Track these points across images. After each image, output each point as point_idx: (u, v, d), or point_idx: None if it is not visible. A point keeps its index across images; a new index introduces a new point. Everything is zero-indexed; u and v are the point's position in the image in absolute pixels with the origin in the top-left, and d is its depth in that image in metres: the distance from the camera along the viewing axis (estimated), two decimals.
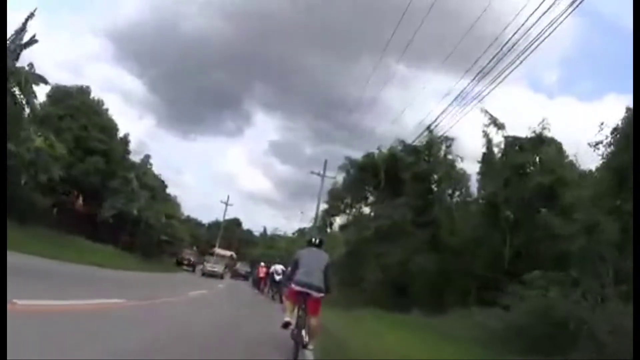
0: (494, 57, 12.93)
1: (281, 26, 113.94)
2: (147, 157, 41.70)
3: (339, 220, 30.51)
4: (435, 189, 24.16)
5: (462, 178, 23.01)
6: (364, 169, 25.69)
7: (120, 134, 37.82)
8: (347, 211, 28.41)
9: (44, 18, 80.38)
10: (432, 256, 21.14)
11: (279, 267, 24.36)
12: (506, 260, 19.84)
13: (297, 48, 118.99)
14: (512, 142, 21.70)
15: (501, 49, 12.57)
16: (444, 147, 23.64)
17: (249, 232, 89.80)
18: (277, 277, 23.41)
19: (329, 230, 32.30)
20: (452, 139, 23.58)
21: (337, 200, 28.57)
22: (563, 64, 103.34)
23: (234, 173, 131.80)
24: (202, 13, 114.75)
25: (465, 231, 22.34)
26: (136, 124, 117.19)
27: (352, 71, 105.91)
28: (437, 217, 22.73)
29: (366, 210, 27.50)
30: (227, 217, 74.30)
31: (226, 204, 68.53)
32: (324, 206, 30.99)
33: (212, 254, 56.96)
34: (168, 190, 51.49)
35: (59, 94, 32.17)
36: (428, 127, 21.42)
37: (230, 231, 79.43)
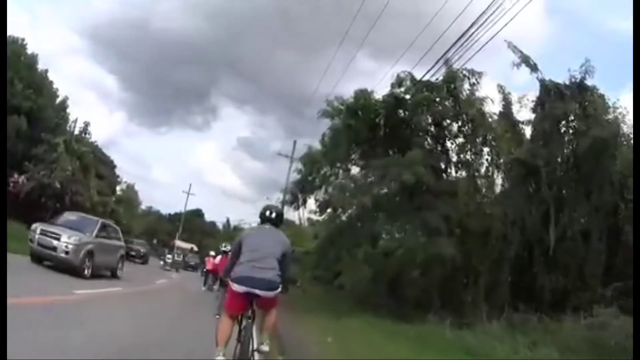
0: None
1: (252, 21, 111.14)
2: (86, 124, 34.41)
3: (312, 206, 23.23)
4: (458, 142, 17.60)
5: (493, 129, 16.43)
6: (354, 114, 17.28)
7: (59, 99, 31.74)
8: (324, 185, 20.22)
9: (19, 10, 74.23)
10: (451, 241, 15.17)
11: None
12: (551, 246, 14.56)
13: (268, 43, 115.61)
14: (550, 88, 16.06)
15: None
16: (467, 85, 16.73)
17: (212, 223, 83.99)
18: None
19: (299, 213, 25.91)
20: (480, 73, 16.78)
21: (312, 167, 20.40)
22: None
23: (202, 168, 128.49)
24: (174, 9, 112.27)
25: (493, 206, 16.28)
26: (108, 119, 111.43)
27: (322, 66, 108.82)
28: (458, 184, 16.49)
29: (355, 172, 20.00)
30: (189, 208, 71.46)
31: (188, 193, 65.89)
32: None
33: (172, 247, 55.84)
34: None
35: None
36: (443, 56, 14.97)
37: (191, 223, 74.88)
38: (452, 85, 16.35)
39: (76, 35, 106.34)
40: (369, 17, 18.06)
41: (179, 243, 61.60)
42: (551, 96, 16.01)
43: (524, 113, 16.95)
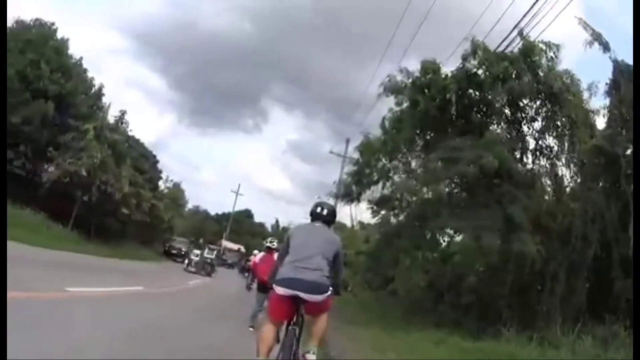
0: None
1: (301, 25, 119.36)
2: (123, 112, 32.29)
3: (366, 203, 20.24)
4: (536, 126, 14.94)
5: (578, 108, 13.68)
6: (421, 90, 14.52)
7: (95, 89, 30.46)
8: (383, 180, 17.62)
9: (63, 10, 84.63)
10: (534, 238, 12.77)
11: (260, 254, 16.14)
12: (630, 247, 11.62)
13: (317, 47, 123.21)
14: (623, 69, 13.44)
15: None
16: (545, 59, 13.98)
17: (261, 225, 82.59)
18: None
19: (353, 209, 24.04)
20: (558, 46, 14.07)
21: (370, 158, 17.77)
22: None
23: (251, 170, 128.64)
24: (222, 11, 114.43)
25: (573, 200, 13.78)
26: (156, 121, 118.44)
27: (371, 71, 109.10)
28: (536, 174, 14.05)
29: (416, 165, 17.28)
30: (238, 209, 70.37)
31: (236, 193, 63.58)
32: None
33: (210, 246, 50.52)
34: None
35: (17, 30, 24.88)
36: (516, 26, 12.53)
37: (240, 223, 74.06)
38: (530, 58, 13.79)
39: (123, 36, 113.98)
40: (417, 18, 15.83)
41: (226, 243, 60.90)
42: (625, 78, 13.45)
43: (594, 102, 14.53)
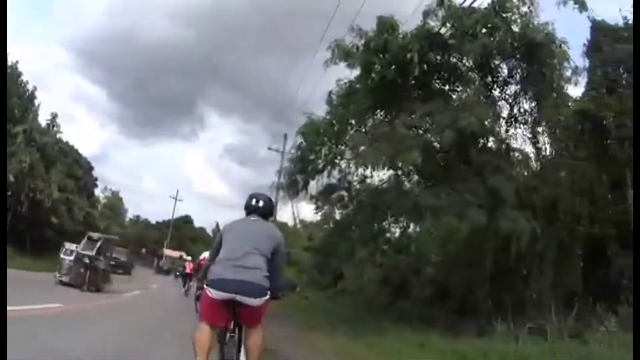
0: None
1: (239, 28, 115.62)
2: (54, 115, 29.93)
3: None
4: (512, 88, 13.11)
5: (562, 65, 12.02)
6: (375, 53, 12.33)
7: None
8: (329, 168, 15.07)
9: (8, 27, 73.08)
10: (524, 214, 10.90)
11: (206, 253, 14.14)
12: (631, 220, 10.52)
13: (251, 50, 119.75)
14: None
15: None
16: (519, 15, 12.08)
17: (202, 229, 79.15)
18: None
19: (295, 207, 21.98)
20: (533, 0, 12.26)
21: (315, 141, 14.82)
22: None
23: (191, 177, 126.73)
24: (158, 20, 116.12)
25: (556, 172, 12.29)
26: (98, 132, 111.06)
27: (305, 71, 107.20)
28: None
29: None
30: (178, 216, 67.25)
31: (175, 198, 61.31)
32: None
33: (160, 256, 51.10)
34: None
35: None
36: None
37: (181, 230, 70.27)
38: (503, 13, 11.91)
39: (65, 50, 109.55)
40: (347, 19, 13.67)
41: (167, 251, 57.89)
42: (608, 38, 12.68)
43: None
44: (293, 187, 16.14)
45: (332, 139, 14.83)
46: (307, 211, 59.38)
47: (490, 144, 12.46)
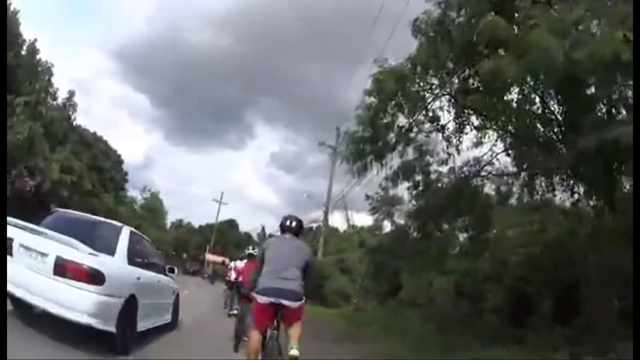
0: None
1: (284, 38, 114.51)
2: (71, 93, 29.05)
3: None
4: None
5: None
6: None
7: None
8: (402, 144, 12.01)
9: (49, 34, 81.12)
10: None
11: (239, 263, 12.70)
12: None
13: (300, 59, 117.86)
14: None
15: None
16: None
17: (247, 235, 77.19)
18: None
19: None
20: None
21: (390, 96, 10.90)
22: None
23: (237, 184, 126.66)
24: (204, 27, 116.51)
25: None
26: (143, 139, 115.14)
27: (354, 81, 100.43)
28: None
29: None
30: (222, 219, 65.44)
31: (219, 201, 59.05)
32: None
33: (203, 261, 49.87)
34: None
35: None
36: None
37: (225, 235, 68.54)
38: None
39: (107, 57, 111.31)
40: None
41: (210, 256, 56.25)
42: None
43: None
44: (361, 159, 12.04)
45: (424, 78, 11.18)
46: (358, 218, 56.88)
47: None
